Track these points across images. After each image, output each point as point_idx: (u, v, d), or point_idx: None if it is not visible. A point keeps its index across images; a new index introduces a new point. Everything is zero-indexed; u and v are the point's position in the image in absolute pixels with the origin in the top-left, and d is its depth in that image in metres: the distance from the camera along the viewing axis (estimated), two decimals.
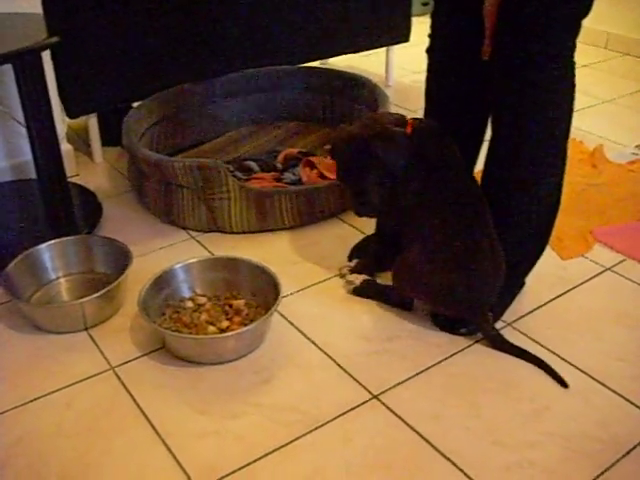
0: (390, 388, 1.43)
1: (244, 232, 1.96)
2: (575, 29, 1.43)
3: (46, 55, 2.01)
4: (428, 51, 1.69)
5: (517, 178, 1.56)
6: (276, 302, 1.53)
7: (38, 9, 2.03)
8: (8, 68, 1.78)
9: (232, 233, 1.96)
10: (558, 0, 1.37)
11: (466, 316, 1.56)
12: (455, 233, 1.52)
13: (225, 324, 1.56)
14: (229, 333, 1.50)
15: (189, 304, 1.62)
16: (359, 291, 1.71)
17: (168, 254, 1.88)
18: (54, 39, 1.73)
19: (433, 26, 1.67)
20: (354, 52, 2.88)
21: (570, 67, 1.47)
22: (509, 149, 1.54)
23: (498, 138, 1.56)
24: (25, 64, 1.74)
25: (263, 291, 1.63)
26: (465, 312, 1.55)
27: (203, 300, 1.63)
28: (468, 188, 1.56)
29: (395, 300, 1.66)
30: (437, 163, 1.55)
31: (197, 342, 1.50)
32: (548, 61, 1.43)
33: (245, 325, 1.54)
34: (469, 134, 1.71)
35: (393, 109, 2.43)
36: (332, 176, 2.09)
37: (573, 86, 1.49)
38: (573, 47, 1.45)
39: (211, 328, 1.54)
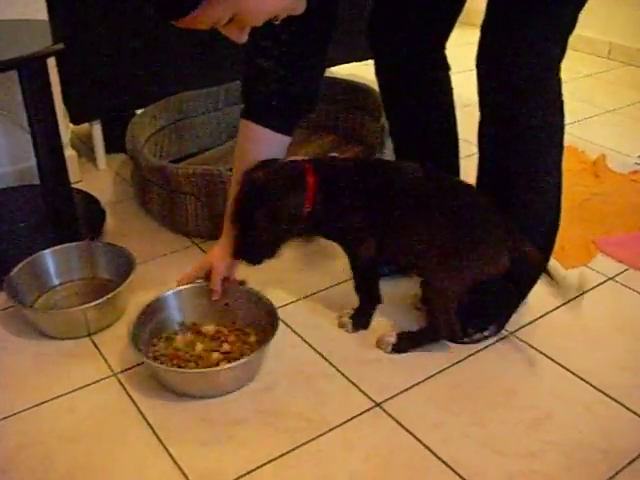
0: (393, 396, 1.43)
1: None
2: (560, 44, 1.43)
3: (50, 61, 2.01)
4: (376, 73, 1.73)
5: (511, 192, 1.55)
6: (273, 333, 1.47)
7: (44, 16, 2.04)
8: (13, 74, 1.78)
9: None
10: (542, 15, 1.38)
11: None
12: (459, 232, 1.46)
13: (215, 356, 1.50)
14: (223, 367, 1.45)
15: (179, 339, 1.55)
16: (399, 348, 1.55)
17: (171, 261, 1.89)
18: (59, 46, 1.73)
19: (372, 47, 1.70)
20: (357, 61, 2.89)
21: (557, 81, 1.47)
22: (501, 166, 1.55)
23: (487, 157, 1.57)
24: (30, 70, 1.74)
25: (258, 320, 1.56)
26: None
27: (190, 337, 1.56)
28: (427, 185, 1.48)
29: (443, 333, 1.56)
30: (367, 194, 1.47)
31: (191, 376, 1.45)
32: (534, 77, 1.43)
33: (236, 358, 1.48)
34: (438, 145, 1.73)
35: None
36: None
37: (561, 99, 1.49)
38: (560, 62, 1.45)
39: (203, 362, 1.49)
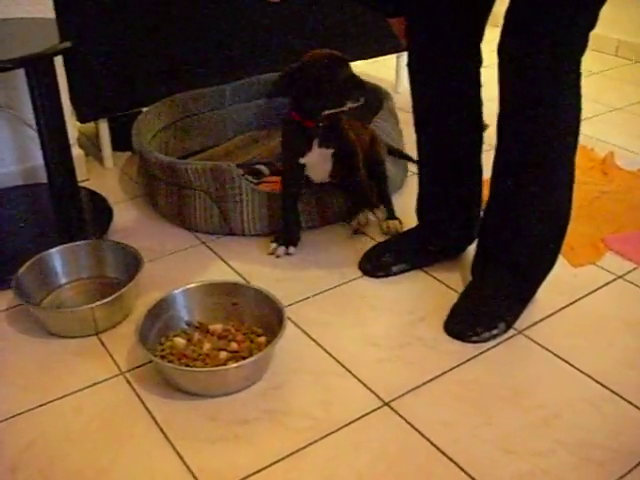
0: (401, 395, 1.43)
1: (256, 235, 1.96)
2: (583, 42, 1.42)
3: (57, 59, 2.01)
4: (409, 65, 1.70)
5: (525, 188, 1.55)
6: (279, 333, 1.46)
7: (51, 14, 2.04)
8: (20, 72, 1.78)
9: (244, 236, 1.96)
10: (566, 13, 1.37)
11: None
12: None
13: (223, 355, 1.49)
14: (231, 365, 1.44)
15: (182, 339, 1.54)
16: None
17: (179, 259, 1.88)
18: (66, 44, 1.73)
19: (409, 38, 1.67)
20: (364, 59, 2.88)
21: (576, 78, 1.46)
22: (515, 159, 1.54)
23: (503, 149, 1.56)
24: (38, 69, 1.74)
25: (266, 319, 1.56)
26: None
27: (198, 336, 1.56)
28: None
29: None
30: None
31: (200, 375, 1.44)
32: (554, 72, 1.42)
33: (244, 357, 1.47)
34: (463, 143, 1.72)
35: (401, 115, 2.43)
36: None
37: (579, 97, 1.48)
38: (580, 58, 1.44)
39: (211, 361, 1.48)
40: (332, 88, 1.68)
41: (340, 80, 1.67)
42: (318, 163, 1.85)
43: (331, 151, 1.84)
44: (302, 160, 1.83)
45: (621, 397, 1.43)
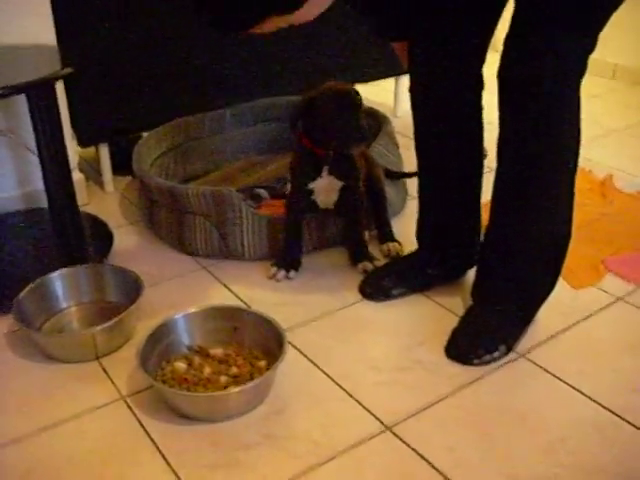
0: (403, 420, 1.42)
1: (257, 259, 1.96)
2: (582, 66, 1.43)
3: (58, 83, 2.02)
4: (411, 90, 1.71)
5: (525, 210, 1.55)
6: (280, 357, 1.45)
7: (52, 40, 2.05)
8: (21, 97, 1.79)
9: (244, 260, 1.96)
10: (564, 35, 1.38)
11: None
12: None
13: (224, 380, 1.49)
14: (232, 390, 1.44)
15: (183, 363, 1.54)
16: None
17: (179, 284, 1.88)
18: (68, 70, 1.74)
19: (411, 63, 1.68)
20: (363, 82, 2.90)
21: (576, 102, 1.47)
22: (515, 182, 1.55)
23: (503, 172, 1.56)
24: (39, 95, 1.75)
25: (267, 343, 1.56)
26: None
27: (199, 360, 1.55)
28: None
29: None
30: None
31: (201, 399, 1.44)
32: (554, 97, 1.43)
33: (245, 382, 1.46)
34: (464, 167, 1.73)
35: (400, 139, 2.44)
36: None
37: (579, 120, 1.49)
38: (579, 82, 1.45)
39: (212, 385, 1.48)
40: (337, 129, 1.67)
41: (346, 126, 1.66)
42: (326, 190, 1.85)
43: (341, 184, 1.84)
44: (311, 185, 1.83)
45: (625, 420, 1.42)
